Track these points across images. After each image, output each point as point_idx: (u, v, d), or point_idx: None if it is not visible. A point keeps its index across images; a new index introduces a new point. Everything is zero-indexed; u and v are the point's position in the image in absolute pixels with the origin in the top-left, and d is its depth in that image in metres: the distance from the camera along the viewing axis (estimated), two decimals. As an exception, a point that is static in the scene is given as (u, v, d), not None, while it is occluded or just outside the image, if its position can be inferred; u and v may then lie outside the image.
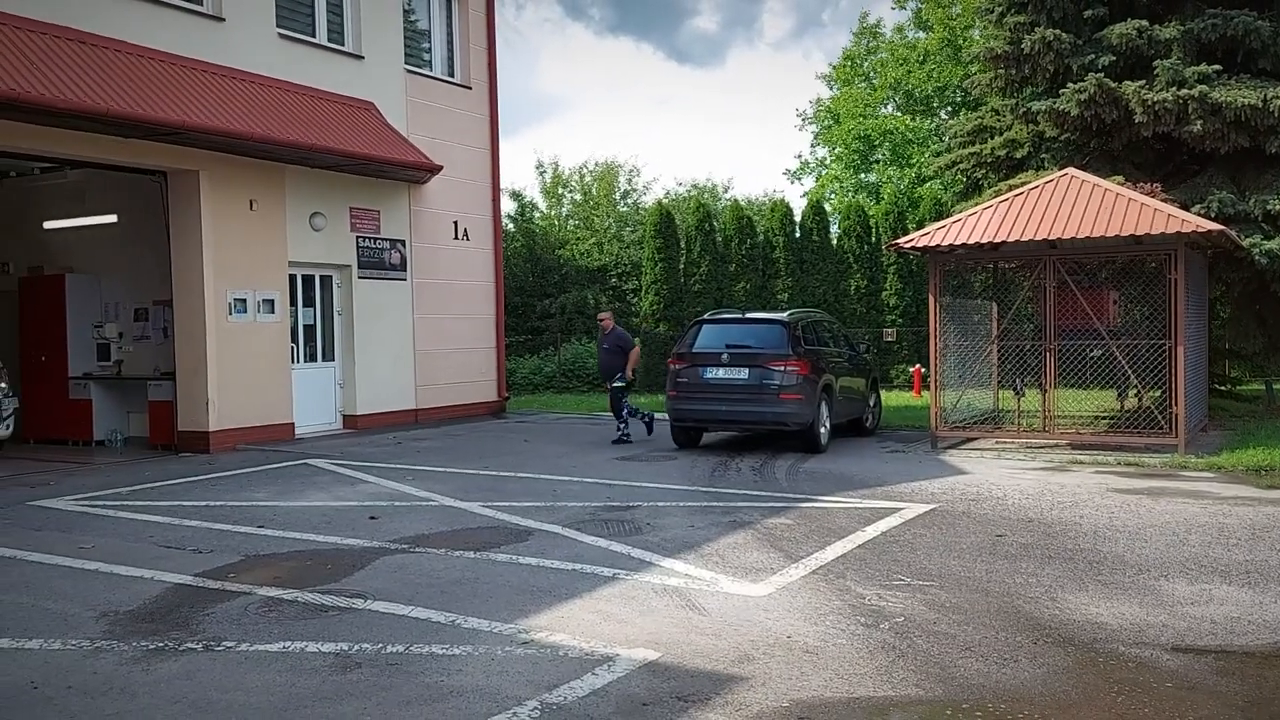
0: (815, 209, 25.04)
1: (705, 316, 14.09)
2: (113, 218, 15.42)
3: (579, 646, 5.36)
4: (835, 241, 24.77)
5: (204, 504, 9.74)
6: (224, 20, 13.87)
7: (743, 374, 12.66)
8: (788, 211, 24.83)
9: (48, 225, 16.02)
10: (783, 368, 12.48)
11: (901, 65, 36.56)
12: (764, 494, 9.97)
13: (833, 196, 37.46)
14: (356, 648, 5.40)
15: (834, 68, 39.92)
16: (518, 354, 27.25)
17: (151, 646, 5.46)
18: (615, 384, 14.40)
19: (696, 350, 13.11)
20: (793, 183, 44.25)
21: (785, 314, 13.72)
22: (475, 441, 14.70)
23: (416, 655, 5.27)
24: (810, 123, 40.58)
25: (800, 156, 42.67)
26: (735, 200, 29.55)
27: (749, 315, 14.10)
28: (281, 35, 14.79)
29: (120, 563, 7.34)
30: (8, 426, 13.21)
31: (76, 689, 4.84)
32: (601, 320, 15.19)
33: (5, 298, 16.21)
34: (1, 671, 5.08)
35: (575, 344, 27.96)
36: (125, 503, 9.85)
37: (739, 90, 78.52)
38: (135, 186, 14.61)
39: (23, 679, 4.97)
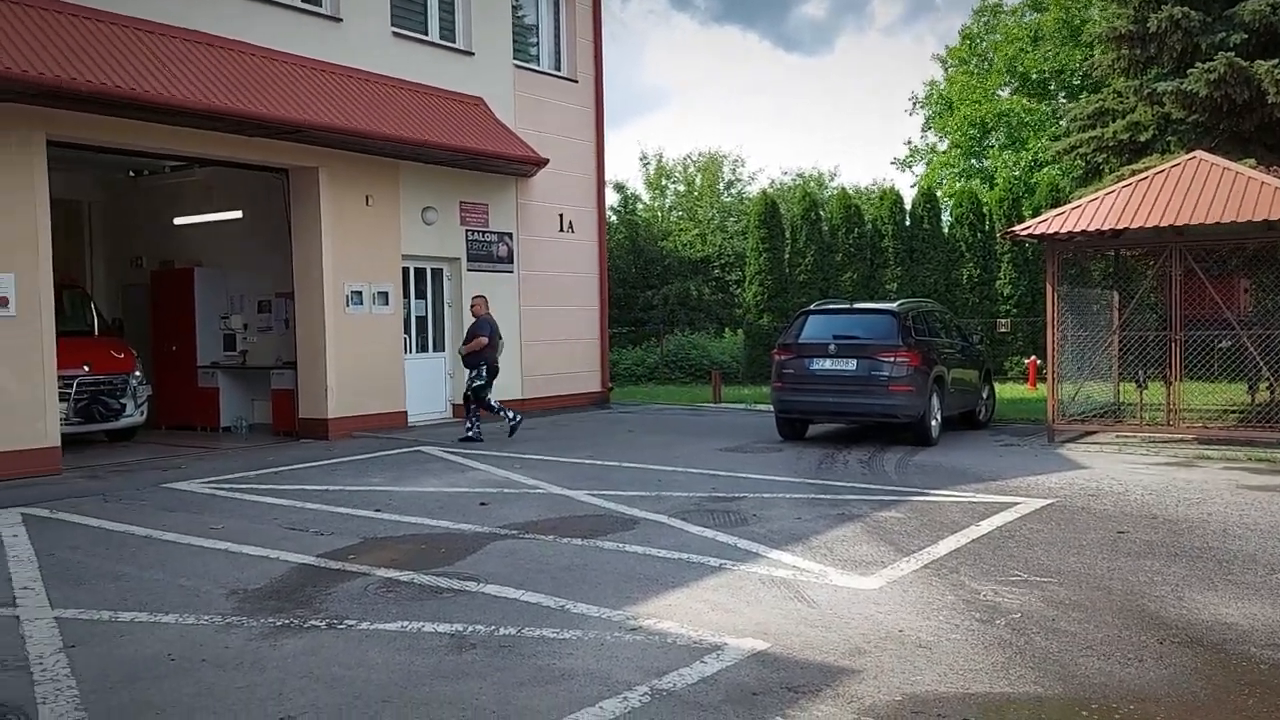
0: (926, 196, 24.53)
1: (812, 307, 13.94)
2: (238, 214, 16.06)
3: (687, 634, 5.38)
4: (947, 230, 24.24)
5: (324, 488, 10.09)
6: (342, 21, 14.30)
7: (851, 365, 12.49)
8: (897, 199, 24.39)
9: (178, 221, 16.77)
10: (893, 359, 12.28)
11: (1016, 44, 35.45)
12: (873, 487, 9.84)
13: (944, 183, 36.62)
14: (471, 629, 5.53)
15: (949, 49, 38.98)
16: (620, 345, 27.45)
17: (278, 623, 5.69)
18: (473, 378, 13.55)
19: (803, 341, 12.99)
20: (902, 171, 43.31)
21: (895, 304, 13.49)
22: (580, 431, 14.86)
23: (528, 638, 5.37)
24: (921, 108, 39.73)
25: (910, 143, 41.72)
26: (843, 188, 29.14)
27: (857, 305, 13.92)
28: (396, 34, 15.17)
29: (247, 543, 7.66)
30: (142, 413, 13.94)
31: (210, 662, 5.08)
32: (472, 306, 14.04)
33: (139, 290, 17.05)
34: (141, 644, 5.36)
35: (678, 335, 28.01)
36: (251, 486, 10.28)
37: (847, 77, 77.41)
38: (259, 184, 15.19)
39: (160, 651, 5.24)
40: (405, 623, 5.66)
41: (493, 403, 13.79)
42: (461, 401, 14.08)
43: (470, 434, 13.58)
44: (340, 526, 8.30)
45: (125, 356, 13.82)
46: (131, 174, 16.62)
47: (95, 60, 10.79)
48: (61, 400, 11.91)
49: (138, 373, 13.86)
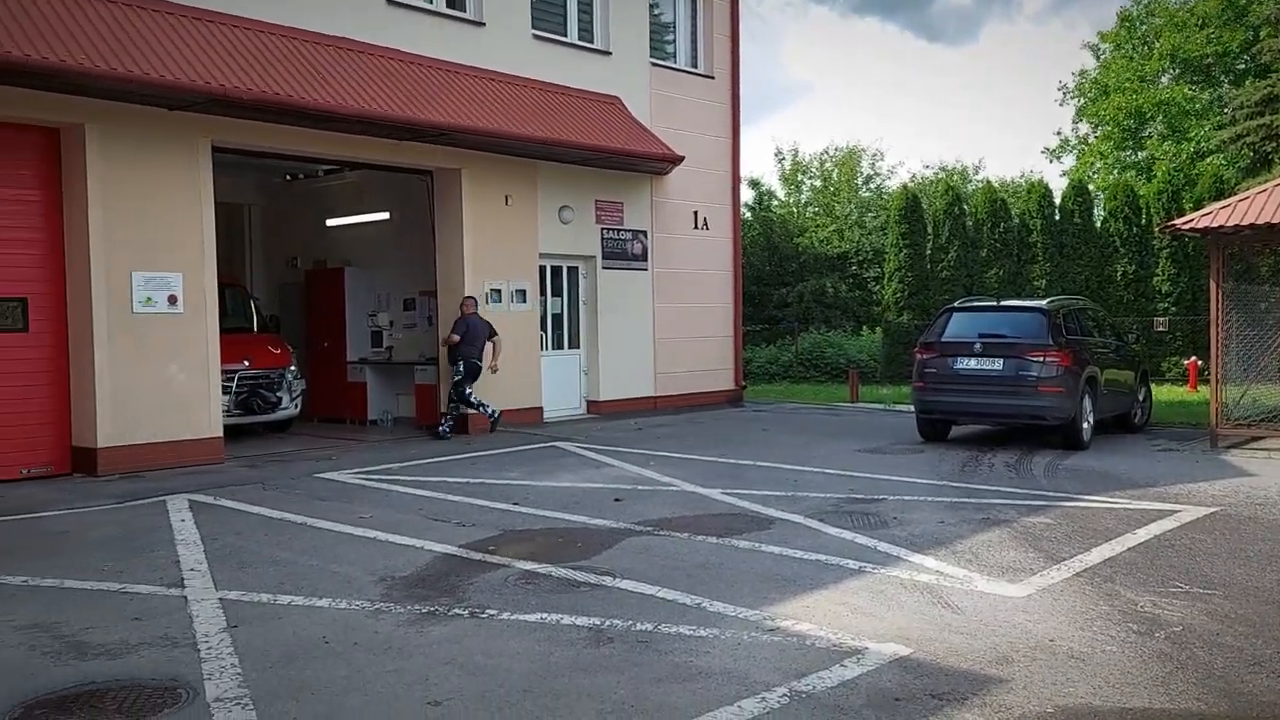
0: (1077, 189, 23.53)
1: (956, 304, 13.54)
2: (385, 215, 16.64)
3: (826, 637, 5.30)
4: (1099, 224, 23.19)
5: (465, 481, 10.36)
6: (484, 25, 14.64)
7: (997, 365, 12.07)
8: (1046, 192, 23.46)
9: (330, 223, 17.50)
10: (1042, 358, 11.81)
11: (1179, 31, 33.56)
12: (1020, 491, 9.49)
13: (1096, 176, 35.02)
14: (608, 623, 5.58)
15: (1103, 35, 37.24)
16: (754, 343, 27.26)
17: (423, 610, 5.87)
18: (452, 375, 13.99)
19: (946, 339, 12.62)
20: (1051, 162, 41.54)
21: (1045, 301, 12.97)
22: (713, 429, 14.83)
23: (665, 634, 5.38)
24: (1073, 97, 38.08)
25: (1060, 134, 40.04)
26: (988, 181, 28.18)
27: (1005, 302, 13.41)
28: (535, 36, 15.44)
29: (394, 532, 7.93)
30: (297, 406, 14.60)
31: (361, 646, 5.27)
32: (461, 305, 14.20)
33: (294, 289, 17.87)
34: (298, 626, 5.61)
35: (813, 333, 27.64)
36: (397, 477, 10.64)
37: (992, 67, 74.95)
38: (404, 185, 15.71)
39: (315, 634, 5.47)
40: (544, 614, 5.75)
41: (472, 398, 14.05)
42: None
43: (442, 430, 13.99)
44: (480, 518, 8.50)
45: (282, 352, 14.50)
46: (288, 178, 17.42)
47: (256, 69, 11.35)
48: (224, 393, 12.56)
49: (293, 367, 14.53)
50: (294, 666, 4.97)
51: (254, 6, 11.95)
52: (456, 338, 13.93)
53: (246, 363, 13.68)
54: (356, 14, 13.08)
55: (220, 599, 6.12)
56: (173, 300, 11.40)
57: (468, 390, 14.07)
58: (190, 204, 11.57)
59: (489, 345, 14.22)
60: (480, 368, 14.16)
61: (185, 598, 6.16)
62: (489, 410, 14.13)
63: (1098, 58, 37.60)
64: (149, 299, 11.20)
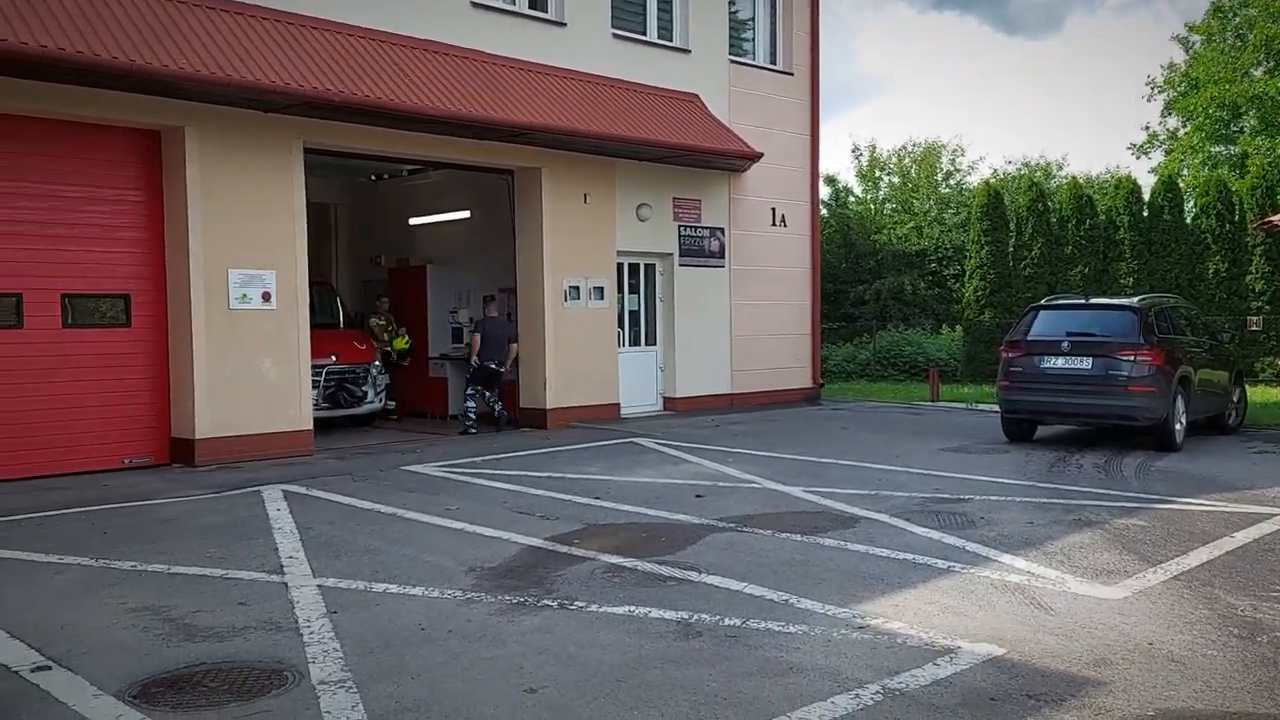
0: (1167, 185, 22.87)
1: (1043, 302, 13.29)
2: (466, 213, 16.91)
3: (917, 636, 5.27)
4: (1190, 220, 22.51)
5: (546, 475, 10.50)
6: (565, 25, 14.79)
7: (1086, 364, 11.82)
8: (1134, 188, 22.86)
9: (412, 221, 17.84)
10: (1133, 357, 11.54)
11: (1275, 21, 32.38)
12: (1111, 493, 9.29)
13: (1185, 172, 33.99)
14: (695, 617, 5.63)
15: (1191, 26, 36.12)
16: (830, 341, 27.03)
17: (513, 600, 5.98)
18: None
19: (1033, 338, 12.40)
20: (1138, 158, 40.38)
21: (1136, 299, 12.67)
22: (791, 427, 14.77)
23: (753, 630, 5.41)
24: (1161, 91, 37.00)
25: (1148, 128, 38.89)
26: (1073, 177, 27.54)
27: (1094, 300, 13.12)
28: (615, 35, 15.54)
29: (480, 524, 8.08)
30: (380, 400, 14.92)
31: (456, 633, 5.40)
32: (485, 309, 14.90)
33: (377, 286, 18.24)
34: (393, 613, 5.76)
35: (891, 331, 27.32)
36: (480, 471, 10.82)
37: (1076, 60, 73.21)
38: (484, 184, 15.94)
39: (411, 621, 5.61)
40: (632, 607, 5.82)
41: (469, 401, 14.47)
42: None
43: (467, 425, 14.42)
44: (563, 512, 8.61)
45: (367, 348, 14.84)
46: (373, 178, 17.79)
47: (346, 72, 11.63)
48: (312, 387, 12.91)
49: (377, 362, 14.86)
50: (392, 652, 5.11)
51: (343, 10, 12.25)
52: (477, 338, 14.43)
53: (334, 358, 14.04)
54: (442, 16, 13.31)
55: (318, 585, 6.32)
56: (266, 297, 11.74)
57: (469, 390, 14.55)
58: (283, 204, 11.91)
59: (511, 348, 14.66)
60: (492, 371, 14.47)
61: (285, 584, 6.37)
62: (470, 420, 14.40)
63: (1187, 50, 36.47)
64: (244, 295, 11.55)
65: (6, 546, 7.38)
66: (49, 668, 4.92)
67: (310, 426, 12.24)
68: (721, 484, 9.94)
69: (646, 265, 16.62)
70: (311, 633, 5.40)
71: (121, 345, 11.19)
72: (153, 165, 11.41)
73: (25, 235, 10.51)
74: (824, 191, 34.74)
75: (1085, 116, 69.08)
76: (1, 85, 9.79)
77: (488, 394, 14.65)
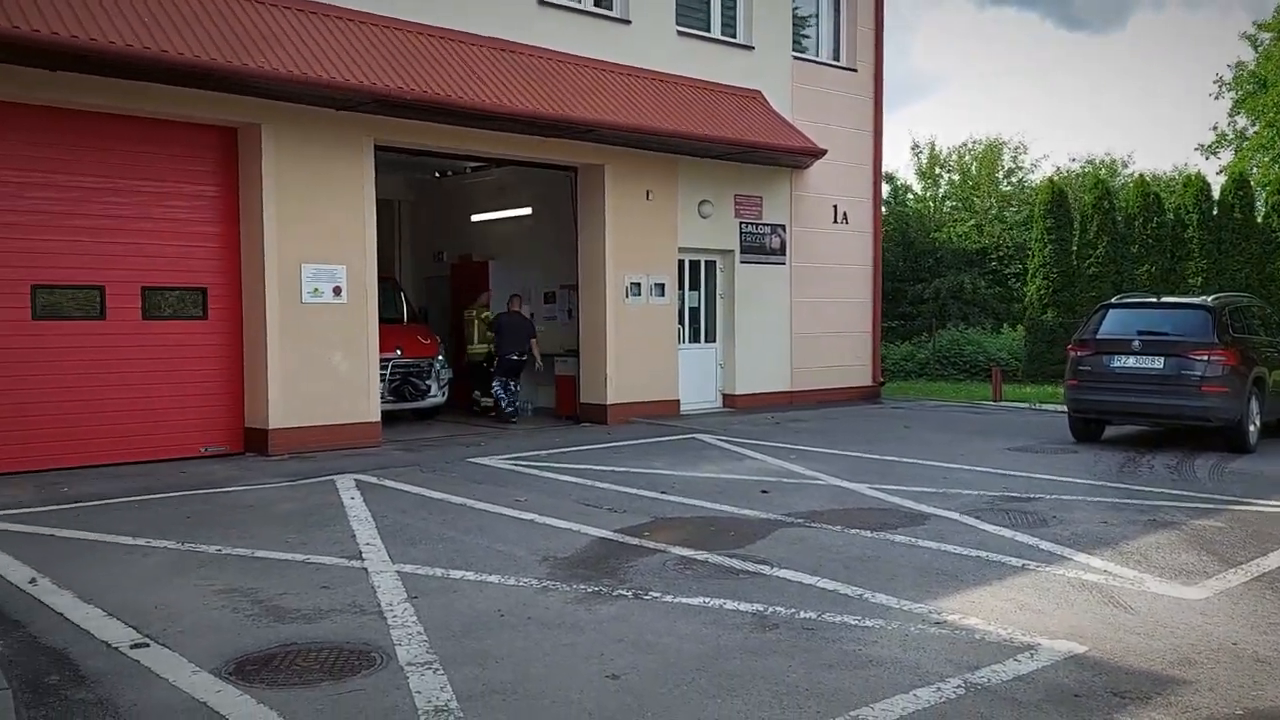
0: (1238, 183, 22.34)
1: (1113, 300, 13.09)
2: (527, 210, 17.07)
3: (995, 632, 5.27)
4: (1261, 219, 21.99)
5: (610, 469, 10.59)
6: (630, 23, 14.87)
7: (1157, 363, 11.65)
8: (1203, 186, 22.36)
9: (475, 218, 18.05)
10: (1206, 357, 11.34)
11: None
12: (1185, 494, 9.16)
13: (1256, 170, 33.17)
14: (771, 610, 5.67)
15: (1260, 24, 35.25)
16: (888, 339, 26.81)
17: (588, 590, 6.07)
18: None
19: (1102, 337, 12.23)
20: (1206, 158, 39.42)
21: (1209, 298, 12.44)
22: (852, 425, 14.72)
23: (829, 623, 5.44)
24: (1229, 89, 36.14)
25: (1215, 128, 38.01)
26: (1140, 175, 26.91)
27: (1165, 299, 12.91)
28: (680, 32, 15.59)
29: (550, 515, 8.19)
30: (444, 394, 15.13)
31: (535, 620, 5.50)
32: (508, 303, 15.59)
33: (441, 282, 18.50)
34: (472, 600, 5.88)
35: (951, 330, 27.03)
36: (545, 464, 10.94)
37: (1141, 57, 71.81)
38: (546, 182, 16.08)
39: (490, 608, 5.73)
40: (706, 599, 5.88)
41: (494, 389, 15.17)
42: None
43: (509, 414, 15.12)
44: (630, 505, 8.69)
45: (431, 342, 15.06)
46: (437, 175, 18.03)
47: (416, 70, 11.82)
48: (379, 380, 13.13)
49: (440, 357, 15.07)
50: (474, 637, 5.22)
51: (413, 9, 12.44)
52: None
53: (399, 351, 14.26)
54: (509, 15, 13.46)
55: (397, 571, 6.46)
56: (337, 291, 11.97)
57: (494, 382, 15.18)
58: (354, 200, 12.13)
59: (532, 343, 15.27)
60: (514, 362, 15.03)
61: (365, 569, 6.52)
62: (510, 405, 15.02)
63: (1255, 48, 35.58)
64: (316, 289, 11.80)
65: (95, 529, 7.64)
66: (147, 645, 5.11)
67: (378, 419, 12.46)
68: (786, 480, 9.96)
69: (707, 262, 16.65)
70: (395, 616, 5.54)
71: (199, 337, 11.49)
72: (229, 161, 11.69)
73: (109, 229, 10.83)
74: (883, 189, 34.44)
75: (1151, 114, 67.73)
76: (87, 83, 10.11)
77: (512, 384, 15.21)
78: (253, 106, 11.24)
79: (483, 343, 16.01)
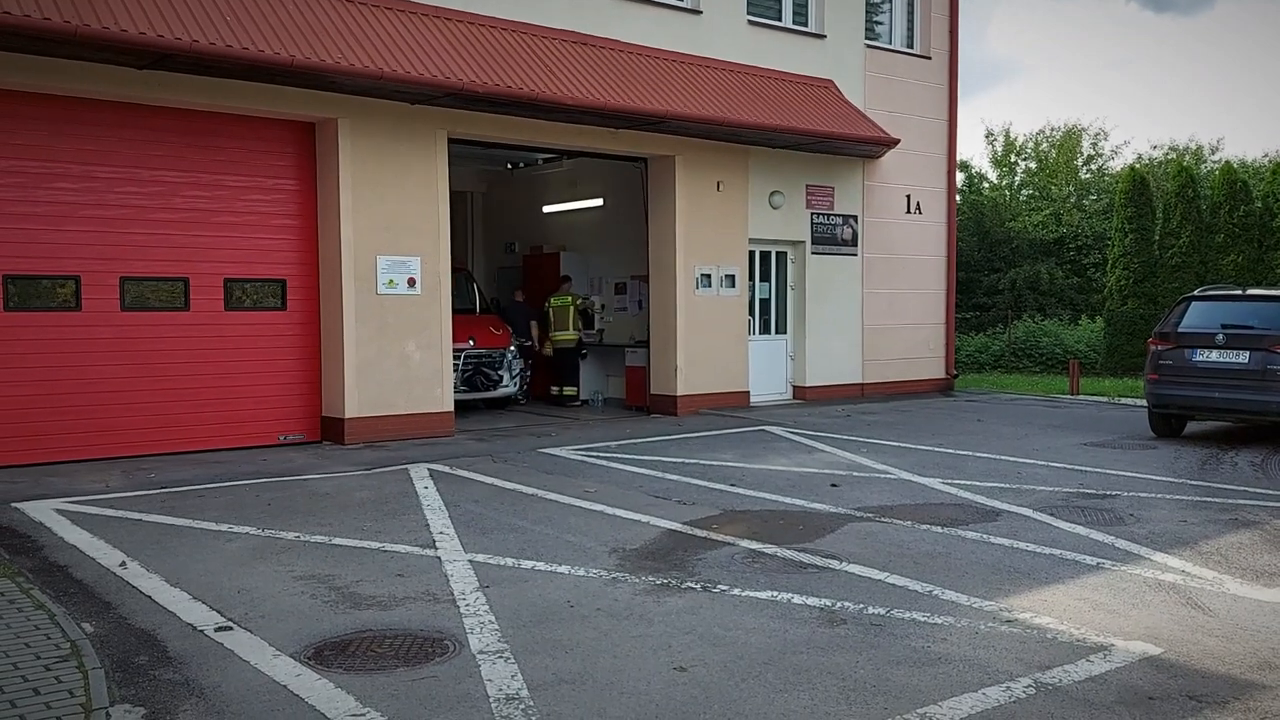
0: (1330, 168, 21.53)
1: (1195, 293, 12.71)
2: (598, 201, 17.17)
3: (1068, 632, 5.20)
4: (1356, 206, 21.14)
5: (679, 460, 10.63)
6: (701, 13, 14.84)
7: (1242, 357, 11.30)
8: (1293, 173, 21.59)
9: (546, 209, 18.20)
10: (1294, 352, 10.98)
11: None
12: (1270, 493, 8.89)
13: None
14: (839, 605, 5.66)
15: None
16: (962, 331, 26.39)
17: (658, 582, 6.13)
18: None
19: (1184, 330, 11.91)
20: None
21: (1297, 290, 12.03)
22: (924, 418, 14.55)
23: (898, 619, 5.42)
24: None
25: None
26: (1226, 162, 26.07)
27: (1251, 291, 12.50)
28: (751, 22, 15.51)
29: (619, 506, 8.26)
30: (515, 385, 15.31)
31: (604, 611, 5.58)
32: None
33: (511, 272, 18.70)
34: (542, 590, 5.98)
35: (1026, 322, 26.51)
36: (614, 455, 11.03)
37: (1230, 39, 69.34)
38: (617, 173, 16.15)
39: (560, 598, 5.82)
40: (774, 593, 5.89)
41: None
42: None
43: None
44: (699, 497, 8.73)
45: (503, 333, 15.25)
46: (509, 166, 18.22)
47: (489, 63, 11.95)
48: (452, 370, 13.35)
49: (513, 347, 15.25)
50: (545, 626, 5.31)
51: (486, 4, 12.57)
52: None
53: (471, 342, 14.46)
54: (581, 7, 13.53)
55: (470, 560, 6.59)
56: (411, 283, 12.19)
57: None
58: (428, 192, 12.34)
59: (531, 325, 16.17)
60: (522, 347, 15.70)
61: (439, 558, 6.66)
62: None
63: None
64: (391, 281, 12.03)
65: (180, 515, 7.92)
66: (230, 628, 5.29)
67: (451, 409, 12.67)
68: (856, 474, 9.90)
69: (778, 253, 16.57)
70: (467, 605, 5.65)
71: (278, 328, 11.80)
72: (307, 155, 11.97)
73: (192, 223, 11.18)
74: (958, 178, 33.83)
75: (1242, 98, 65.35)
76: (172, 80, 10.44)
77: (519, 366, 15.72)
78: (330, 101, 11.48)
79: (575, 330, 16.14)
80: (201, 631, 5.25)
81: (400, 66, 11.08)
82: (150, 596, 5.82)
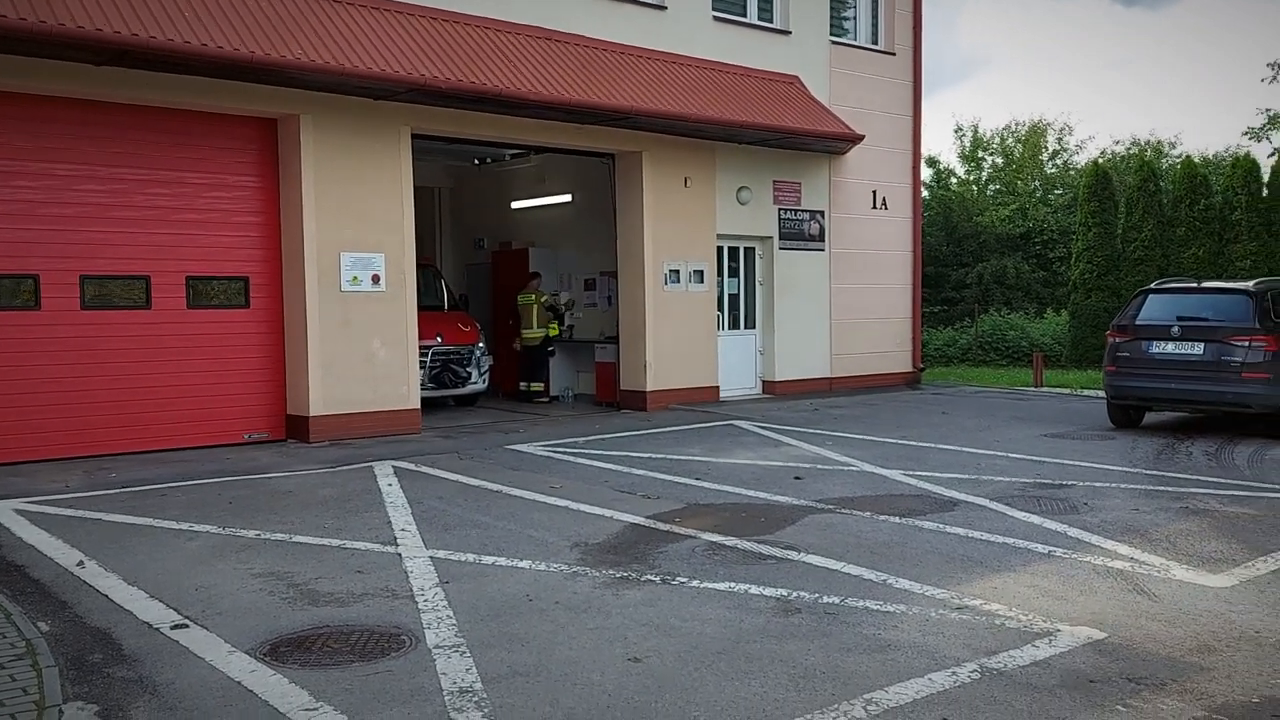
0: (1289, 163, 21.84)
1: (1152, 286, 12.93)
2: (567, 197, 17.19)
3: (1016, 618, 5.30)
4: (1314, 201, 21.48)
5: (646, 455, 10.69)
6: (666, 9, 14.88)
7: (1197, 349, 11.50)
8: (1251, 167, 21.88)
9: (514, 205, 18.20)
10: (1247, 343, 11.18)
11: None
12: (1221, 481, 9.07)
13: (1309, 150, 32.30)
14: (795, 594, 5.74)
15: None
16: (930, 325, 26.64)
17: (617, 575, 6.18)
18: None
19: (1141, 322, 12.10)
20: (1258, 140, 38.38)
21: (1251, 283, 12.24)
22: (891, 411, 14.69)
23: (852, 608, 5.50)
24: (1281, 71, 35.10)
25: (1268, 110, 37.03)
26: (1187, 157, 26.42)
27: (1206, 284, 12.72)
28: (716, 18, 15.57)
29: (584, 501, 8.31)
30: (484, 381, 15.31)
31: (562, 604, 5.62)
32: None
33: (480, 269, 18.69)
34: (502, 585, 6.01)
35: (993, 315, 26.78)
36: (582, 450, 11.07)
37: (1193, 34, 70.16)
38: (585, 169, 16.17)
39: (519, 592, 5.86)
40: (732, 584, 5.96)
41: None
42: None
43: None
44: (664, 491, 8.79)
45: (471, 329, 15.24)
46: (476, 162, 18.19)
47: (453, 59, 11.94)
48: (419, 368, 13.33)
49: (481, 344, 15.25)
50: (502, 620, 5.35)
51: None
52: None
53: (439, 339, 14.45)
54: (546, 3, 13.53)
55: (430, 557, 6.61)
56: (376, 279, 12.17)
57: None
58: (392, 189, 12.32)
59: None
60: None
61: (399, 555, 6.68)
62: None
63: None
64: (355, 278, 12.01)
65: (141, 514, 7.89)
66: (186, 626, 5.30)
67: (418, 405, 12.66)
68: (820, 467, 9.99)
69: (746, 248, 16.66)
70: (426, 600, 5.68)
71: (241, 326, 11.75)
72: (270, 152, 11.92)
73: (153, 221, 11.11)
74: (925, 173, 34.05)
75: (1201, 94, 66.12)
76: (131, 77, 10.37)
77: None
78: (292, 98, 11.44)
79: (541, 327, 16.11)
80: (157, 629, 5.25)
81: (363, 62, 11.06)
82: (107, 595, 5.81)
